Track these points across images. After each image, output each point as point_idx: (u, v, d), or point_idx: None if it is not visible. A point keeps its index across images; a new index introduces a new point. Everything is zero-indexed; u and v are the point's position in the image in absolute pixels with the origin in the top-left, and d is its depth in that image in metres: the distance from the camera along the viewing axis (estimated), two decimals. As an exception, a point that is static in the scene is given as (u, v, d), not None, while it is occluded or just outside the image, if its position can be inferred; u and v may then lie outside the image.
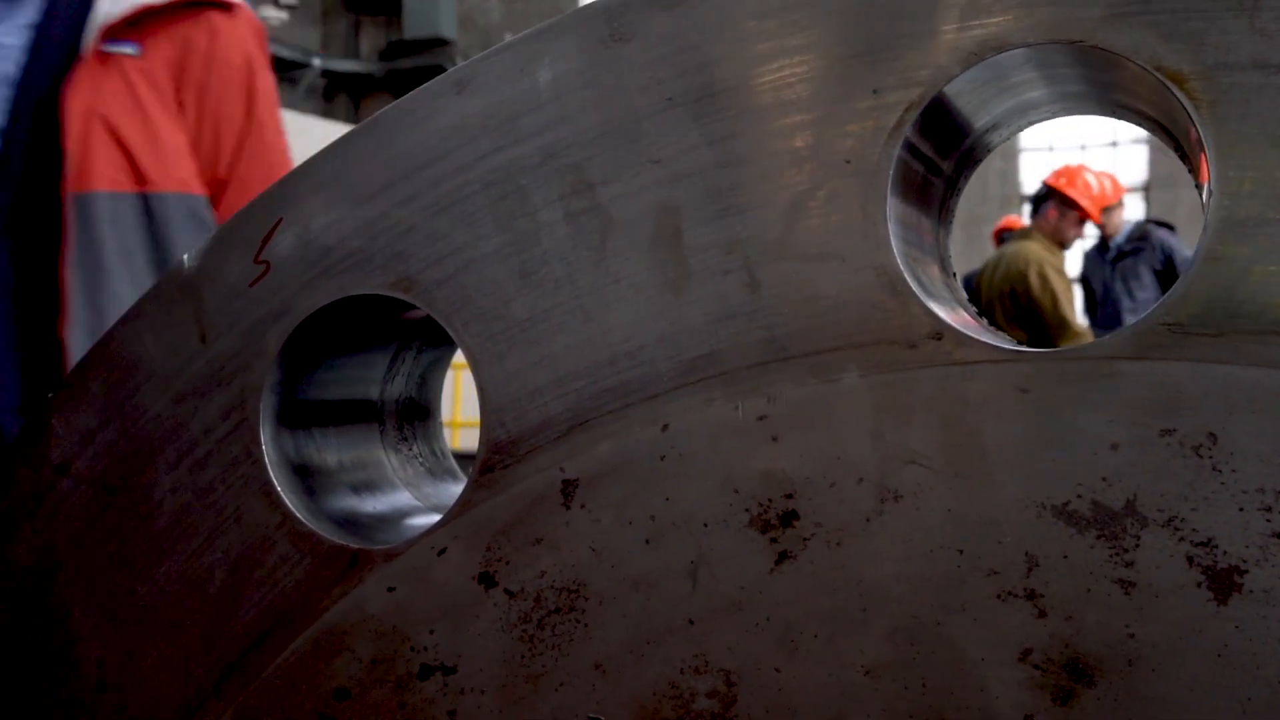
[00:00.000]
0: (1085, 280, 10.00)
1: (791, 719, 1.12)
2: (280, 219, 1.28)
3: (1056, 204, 7.66)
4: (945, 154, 1.16)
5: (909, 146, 1.08)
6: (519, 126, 1.19)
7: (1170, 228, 9.28)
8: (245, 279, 1.29)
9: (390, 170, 1.24)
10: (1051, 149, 16.11)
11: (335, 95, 20.95)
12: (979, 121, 1.15)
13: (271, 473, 1.29)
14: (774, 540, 1.11)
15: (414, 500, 1.41)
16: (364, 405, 1.44)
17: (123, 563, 1.34)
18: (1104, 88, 1.11)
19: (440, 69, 19.29)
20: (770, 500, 1.11)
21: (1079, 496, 1.03)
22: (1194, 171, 1.12)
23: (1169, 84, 1.01)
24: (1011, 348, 1.04)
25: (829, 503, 1.09)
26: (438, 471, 1.50)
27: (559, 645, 1.19)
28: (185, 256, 1.32)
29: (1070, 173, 8.36)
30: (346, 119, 20.14)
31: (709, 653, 1.14)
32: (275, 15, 18.40)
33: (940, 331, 1.06)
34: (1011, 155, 16.03)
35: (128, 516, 1.34)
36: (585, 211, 1.17)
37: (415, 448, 1.50)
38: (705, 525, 1.13)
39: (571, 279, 1.17)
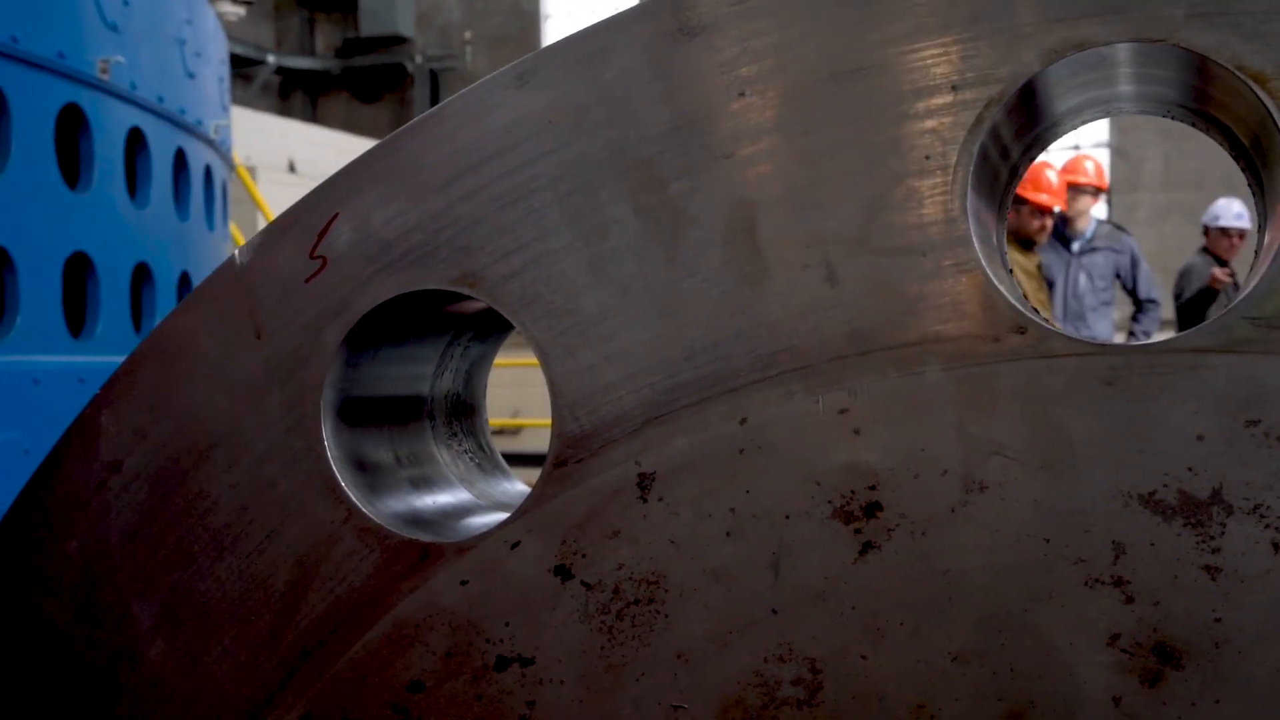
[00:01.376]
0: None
1: (878, 705, 1.12)
2: (337, 213, 1.24)
3: (1014, 202, 7.64)
4: (1013, 148, 1.15)
5: (985, 142, 1.07)
6: (586, 120, 1.17)
7: (1126, 232, 9.35)
8: (301, 274, 1.26)
9: (454, 164, 1.21)
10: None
11: (291, 92, 20.56)
12: (1050, 117, 1.14)
13: (335, 468, 1.26)
14: (858, 531, 1.11)
15: (470, 496, 1.39)
16: (415, 401, 1.42)
17: (181, 559, 1.31)
18: (1179, 88, 1.10)
19: (398, 67, 19.01)
20: (853, 492, 1.11)
21: (1165, 486, 1.03)
22: (1259, 173, 1.11)
23: (1250, 83, 1.00)
24: (1098, 341, 1.04)
25: (913, 494, 1.09)
26: (486, 467, 1.48)
27: (639, 636, 1.18)
28: (236, 252, 1.29)
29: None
30: (302, 116, 19.77)
31: (793, 642, 1.14)
32: (232, 10, 17.93)
33: (1024, 325, 1.05)
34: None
35: (184, 513, 1.31)
36: (657, 206, 1.14)
37: (464, 443, 1.48)
38: (787, 517, 1.13)
39: (644, 274, 1.15)
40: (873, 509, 1.11)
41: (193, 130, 5.16)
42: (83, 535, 1.35)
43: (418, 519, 1.31)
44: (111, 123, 4.42)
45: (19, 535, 1.38)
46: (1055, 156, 14.56)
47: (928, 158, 1.06)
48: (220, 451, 1.31)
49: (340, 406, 1.30)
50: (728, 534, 1.15)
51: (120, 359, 4.26)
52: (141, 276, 4.63)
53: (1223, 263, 9.11)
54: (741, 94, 1.11)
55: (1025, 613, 1.08)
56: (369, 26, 19.79)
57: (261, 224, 12.99)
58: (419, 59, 19.35)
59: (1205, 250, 9.37)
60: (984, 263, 1.06)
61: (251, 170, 12.00)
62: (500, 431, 17.61)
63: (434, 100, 19.20)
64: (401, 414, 1.40)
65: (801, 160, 1.10)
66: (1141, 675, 1.06)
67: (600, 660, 1.20)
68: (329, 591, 1.28)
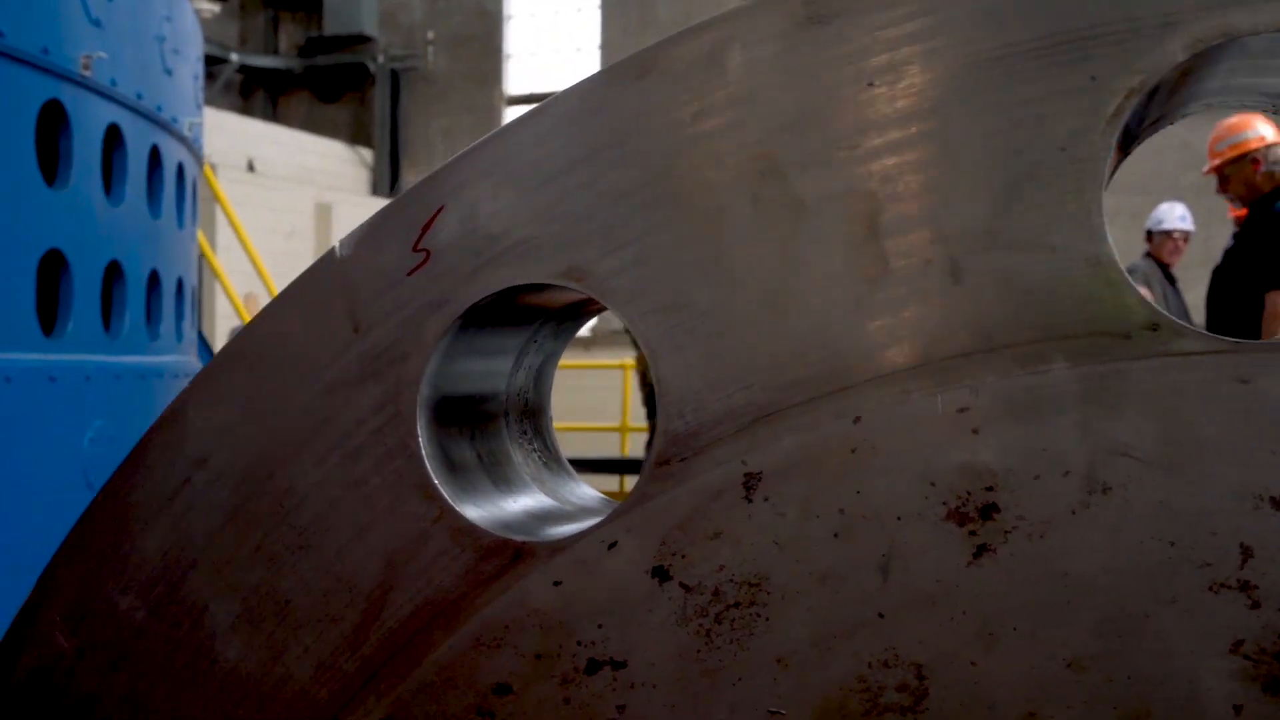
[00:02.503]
0: None
1: (986, 712, 1.07)
2: (442, 206, 1.22)
3: None
4: (1135, 138, 1.13)
5: (1121, 132, 1.04)
6: (705, 112, 1.14)
7: None
8: (403, 268, 1.23)
9: (566, 156, 1.18)
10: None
11: (253, 91, 20.59)
12: (1181, 105, 1.12)
13: (429, 466, 1.22)
14: (973, 533, 1.06)
15: (546, 496, 1.35)
16: (493, 399, 1.38)
17: (264, 557, 1.27)
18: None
19: (361, 67, 19.10)
20: (969, 493, 1.07)
21: (1297, 488, 0.99)
22: None
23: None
24: (1231, 339, 1.01)
25: (1032, 495, 1.05)
26: (553, 467, 1.44)
27: (738, 639, 1.13)
28: (337, 244, 1.25)
29: None
30: (264, 115, 19.82)
31: (900, 646, 1.09)
32: (207, 7, 18.05)
33: (1156, 322, 1.02)
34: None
35: (270, 511, 1.27)
36: (775, 199, 1.12)
37: (534, 443, 1.44)
38: (898, 518, 1.08)
39: (758, 269, 1.12)
40: (989, 510, 1.07)
41: (168, 127, 5.14)
42: (164, 532, 1.31)
43: (505, 519, 1.26)
44: (91, 119, 4.40)
45: (96, 532, 1.33)
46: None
47: (1062, 149, 1.04)
48: (310, 448, 1.27)
49: (434, 403, 1.26)
50: (835, 535, 1.11)
51: (91, 358, 4.19)
52: (113, 275, 4.59)
53: (1165, 267, 8.99)
54: (870, 84, 1.09)
55: (1146, 617, 1.04)
56: (333, 25, 19.85)
57: (221, 222, 12.98)
58: (381, 59, 19.38)
59: (1149, 255, 9.28)
60: (1115, 257, 1.03)
61: (212, 169, 12.00)
62: None
63: (394, 100, 19.18)
64: (481, 412, 1.36)
65: (930, 153, 1.07)
66: (1265, 683, 1.01)
67: (696, 664, 1.15)
68: (416, 592, 1.23)
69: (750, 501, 1.13)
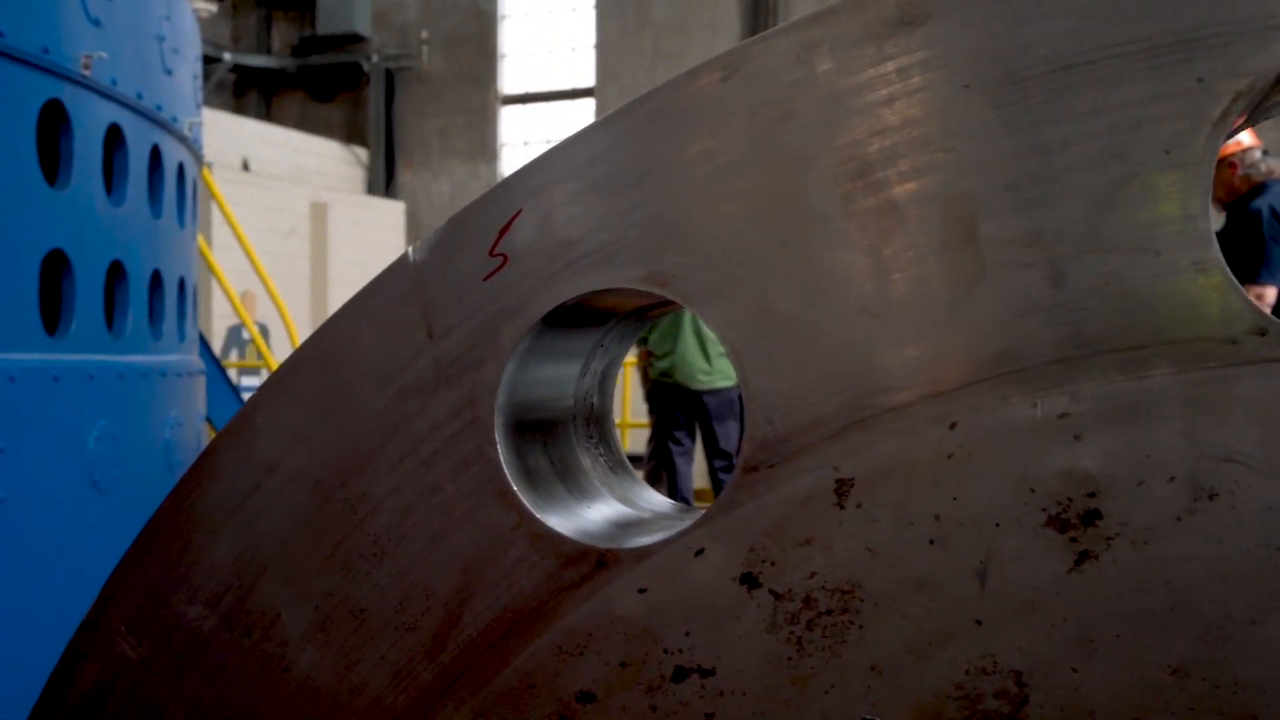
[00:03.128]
0: None
1: (1088, 719, 1.04)
2: (519, 210, 1.19)
3: None
4: (1230, 137, 1.10)
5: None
6: (793, 115, 1.11)
7: None
8: (479, 272, 1.20)
9: (648, 159, 1.15)
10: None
11: (246, 91, 20.49)
12: (1273, 106, 1.10)
13: (507, 472, 1.19)
14: (1074, 540, 1.04)
15: (619, 502, 1.32)
16: (563, 404, 1.35)
17: (338, 565, 1.24)
18: None
19: (354, 66, 19.00)
20: (1070, 499, 1.04)
21: None
22: None
23: None
24: (1343, 344, 0.98)
25: (1136, 501, 1.03)
26: (619, 473, 1.41)
27: (830, 647, 1.11)
28: (410, 249, 1.23)
29: None
30: (257, 115, 19.71)
31: (998, 654, 1.07)
32: (205, 7, 17.94)
33: (1264, 327, 0.99)
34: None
35: (343, 517, 1.24)
36: (867, 203, 1.09)
37: (599, 448, 1.41)
38: (996, 525, 1.06)
39: (850, 273, 1.10)
40: (1091, 517, 1.04)
41: (168, 127, 5.10)
42: (233, 539, 1.28)
43: (584, 526, 1.24)
44: (92, 119, 4.36)
45: (163, 539, 1.30)
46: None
47: (1167, 152, 1.01)
48: (384, 454, 1.24)
49: (510, 409, 1.23)
50: (931, 542, 1.08)
51: (94, 357, 4.16)
52: (115, 275, 4.56)
53: None
54: (966, 86, 1.06)
55: (1252, 624, 1.01)
56: (326, 25, 19.70)
57: (217, 221, 12.92)
58: (375, 58, 19.28)
59: None
60: (1222, 262, 1.00)
61: (208, 168, 11.94)
62: None
63: (389, 100, 19.08)
64: (550, 418, 1.33)
65: (1029, 155, 1.05)
66: (1378, 693, 0.99)
67: (787, 671, 1.12)
68: (496, 599, 1.20)
69: (842, 508, 1.11)
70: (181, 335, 5.56)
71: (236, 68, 20.40)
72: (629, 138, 1.17)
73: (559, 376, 1.33)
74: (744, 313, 1.13)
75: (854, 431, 1.11)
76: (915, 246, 1.08)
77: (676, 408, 8.73)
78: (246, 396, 9.25)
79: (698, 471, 9.15)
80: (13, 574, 3.83)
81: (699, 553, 1.14)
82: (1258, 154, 6.69)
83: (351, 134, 19.75)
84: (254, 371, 15.33)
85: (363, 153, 19.36)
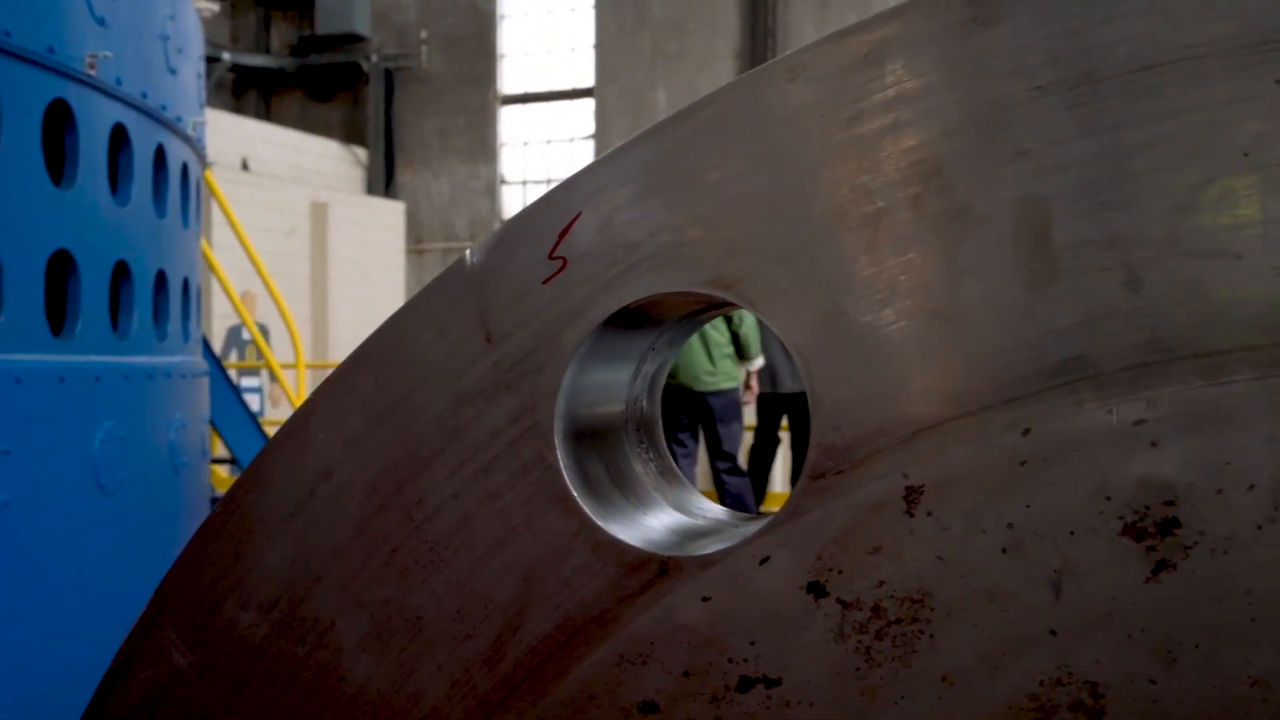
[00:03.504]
0: None
1: (1165, 732, 1.03)
2: (580, 212, 1.17)
3: None
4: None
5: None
6: (860, 116, 1.09)
7: None
8: (538, 276, 1.18)
9: (711, 161, 1.13)
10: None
11: (245, 91, 20.44)
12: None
13: (567, 479, 1.17)
14: (1151, 549, 1.02)
15: (675, 509, 1.30)
16: (616, 410, 1.33)
17: (394, 572, 1.22)
18: None
19: (353, 66, 18.98)
20: (1147, 508, 1.02)
21: None
22: None
23: None
24: None
25: (1215, 510, 1.01)
26: (669, 479, 1.40)
27: (900, 657, 1.09)
28: (468, 251, 1.21)
29: None
30: (255, 114, 19.67)
31: (1073, 664, 1.05)
32: (207, 6, 17.90)
33: (1349, 332, 0.97)
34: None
35: (400, 524, 1.22)
36: (939, 206, 1.07)
37: (650, 454, 1.39)
38: (1071, 533, 1.04)
39: (921, 277, 1.08)
40: (1169, 525, 1.02)
41: (173, 127, 5.08)
42: (287, 546, 1.26)
43: (645, 533, 1.22)
44: (97, 119, 4.34)
45: (215, 546, 1.28)
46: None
47: (1246, 154, 0.99)
48: (441, 460, 1.22)
49: (569, 415, 1.21)
50: (1004, 551, 1.07)
51: (100, 359, 4.14)
52: (120, 275, 4.54)
53: None
54: (1039, 88, 1.04)
55: (1337, 636, 1.00)
56: (325, 25, 19.64)
57: (217, 221, 12.89)
58: (374, 58, 19.23)
59: None
60: (1305, 266, 0.99)
61: (208, 168, 11.89)
62: None
63: (388, 99, 19.05)
64: (605, 424, 1.31)
65: (1106, 158, 1.03)
66: None
67: (855, 682, 1.11)
68: (556, 607, 1.19)
69: (912, 516, 1.09)
70: (186, 336, 5.54)
71: (235, 67, 20.35)
72: (694, 139, 1.15)
73: (612, 381, 1.31)
74: (812, 317, 1.11)
75: (924, 438, 1.09)
76: (988, 249, 1.06)
77: (679, 409, 8.71)
78: (246, 398, 9.21)
79: (700, 474, 9.11)
80: (17, 578, 3.81)
81: (764, 560, 1.13)
82: None
83: (350, 134, 19.72)
84: (254, 372, 15.30)
85: (362, 152, 19.33)
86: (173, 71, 5.17)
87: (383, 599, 1.23)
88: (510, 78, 18.94)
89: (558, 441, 1.19)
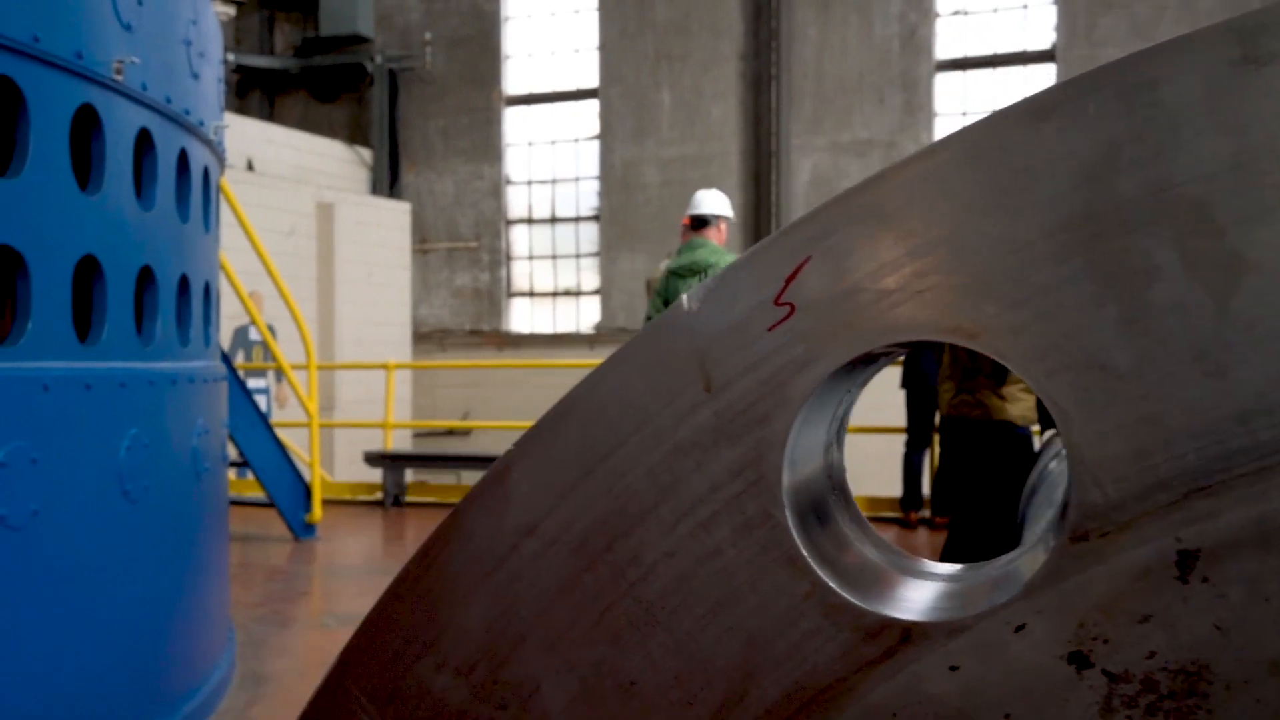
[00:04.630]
0: None
1: None
2: (808, 257, 1.09)
3: None
4: None
5: None
6: (1122, 158, 1.01)
7: None
8: (762, 323, 1.10)
9: (949, 204, 1.05)
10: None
11: (249, 91, 20.29)
12: None
13: (796, 537, 1.09)
14: None
15: (892, 567, 1.22)
16: (817, 458, 1.25)
17: (605, 633, 1.14)
18: None
19: (357, 67, 18.86)
20: None
21: None
22: None
23: None
24: None
25: None
26: (868, 532, 1.31)
27: (1173, 732, 1.01)
28: (685, 297, 1.13)
29: None
30: (259, 115, 19.53)
31: (1368, 743, 0.97)
32: (224, 10, 17.80)
33: None
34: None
35: (611, 583, 1.14)
36: (1209, 252, 0.99)
37: (841, 499, 1.31)
38: (1367, 602, 0.96)
39: (1189, 327, 1.00)
40: None
41: (195, 131, 5.01)
42: (486, 605, 1.18)
43: (878, 595, 1.14)
44: (123, 124, 4.27)
45: (407, 604, 1.20)
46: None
47: None
48: (657, 516, 1.14)
49: (793, 467, 1.13)
50: (1289, 620, 0.99)
51: (125, 365, 4.09)
52: (145, 280, 4.45)
53: None
54: (1326, 128, 0.97)
55: None
56: (329, 26, 19.50)
57: (226, 221, 12.65)
58: (378, 59, 19.11)
59: None
60: None
61: None
62: (450, 433, 17.30)
63: (392, 101, 18.95)
64: (811, 474, 1.23)
65: None
66: None
67: (1122, 758, 1.03)
68: (785, 675, 1.11)
69: (1185, 582, 1.01)
70: (207, 340, 5.46)
71: (240, 68, 20.22)
72: (933, 180, 1.07)
73: (817, 429, 1.23)
74: (1067, 368, 1.03)
75: (1198, 498, 1.01)
76: (1266, 298, 0.99)
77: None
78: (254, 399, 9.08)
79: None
80: (45, 588, 3.72)
81: (1020, 628, 1.05)
82: None
83: (354, 134, 19.61)
84: (260, 373, 15.20)
85: (366, 153, 19.22)
86: (195, 76, 5.08)
87: (593, 662, 1.15)
88: (514, 79, 18.84)
89: (785, 497, 1.11)
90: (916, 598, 1.15)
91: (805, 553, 1.10)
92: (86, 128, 4.08)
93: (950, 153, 1.07)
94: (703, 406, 1.12)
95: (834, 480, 1.30)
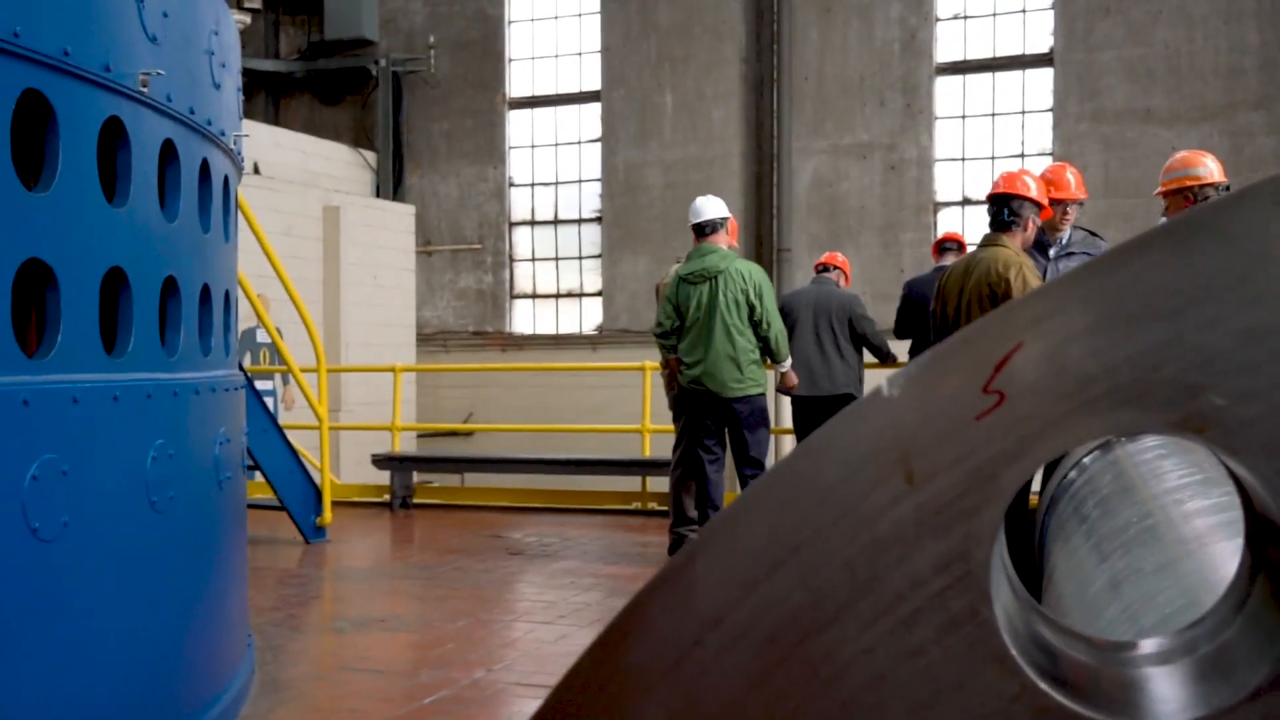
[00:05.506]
0: None
1: None
2: (1020, 343, 1.02)
3: (1033, 209, 7.12)
4: None
5: None
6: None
7: (1100, 237, 9.04)
8: (969, 411, 1.04)
9: (1189, 288, 0.99)
10: (964, 159, 16.12)
11: (254, 94, 20.14)
12: None
13: (1005, 636, 1.03)
14: None
15: (1088, 659, 1.16)
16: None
17: (797, 733, 1.07)
18: None
19: (363, 70, 18.75)
20: None
21: None
22: None
23: None
24: None
25: None
26: (1045, 615, 1.25)
27: None
28: (884, 383, 1.06)
29: (1047, 177, 7.84)
30: (264, 118, 19.40)
31: None
32: (241, 19, 17.67)
33: None
34: (926, 165, 16.09)
35: (804, 680, 1.08)
36: None
37: (1013, 580, 1.24)
38: None
39: None
40: None
41: (216, 141, 4.94)
42: (669, 700, 1.11)
43: (1082, 692, 1.08)
44: (148, 136, 4.21)
45: (585, 697, 1.14)
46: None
47: None
48: (853, 611, 1.08)
49: (1000, 561, 1.07)
50: None
51: (151, 376, 4.01)
52: (169, 290, 4.38)
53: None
54: None
55: None
56: (333, 30, 19.33)
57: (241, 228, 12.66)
58: (382, 62, 18.98)
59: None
60: None
61: None
62: (453, 434, 17.22)
63: (396, 104, 18.86)
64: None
65: None
66: None
67: None
68: (994, 780, 1.04)
69: None
70: (226, 349, 5.39)
71: (245, 71, 20.06)
72: (1162, 264, 1.01)
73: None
74: (1306, 467, 0.97)
75: None
76: None
77: (706, 415, 8.59)
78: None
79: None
80: (75, 600, 3.66)
81: (1254, 734, 0.99)
82: (1211, 192, 6.86)
83: (358, 137, 19.51)
84: (267, 376, 15.11)
85: (370, 156, 19.12)
86: (217, 86, 5.01)
87: (786, 763, 1.08)
88: (518, 82, 18.76)
89: (994, 593, 1.04)
90: (1114, 689, 1.09)
91: (1014, 650, 1.04)
92: (113, 140, 4.01)
93: (1183, 232, 1.01)
94: (905, 499, 1.06)
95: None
